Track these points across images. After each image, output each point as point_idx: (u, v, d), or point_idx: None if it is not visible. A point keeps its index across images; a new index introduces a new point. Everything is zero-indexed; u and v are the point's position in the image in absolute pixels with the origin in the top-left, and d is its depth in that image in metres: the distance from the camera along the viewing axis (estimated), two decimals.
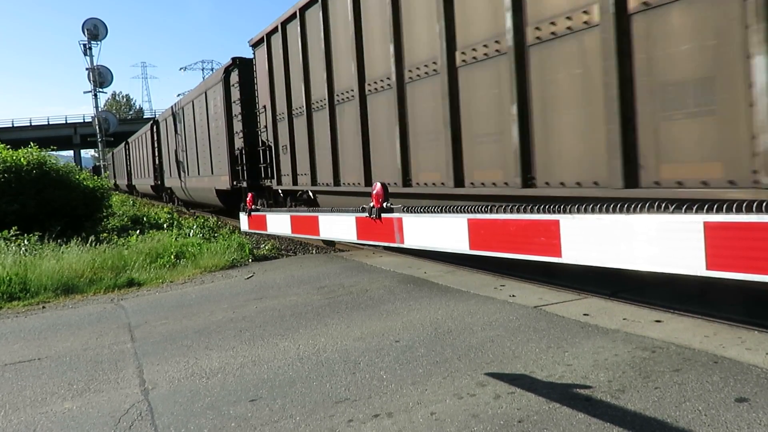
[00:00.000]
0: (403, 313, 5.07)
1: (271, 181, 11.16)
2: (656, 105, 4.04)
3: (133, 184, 35.93)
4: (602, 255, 2.30)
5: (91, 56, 31.35)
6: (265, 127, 11.09)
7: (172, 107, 20.94)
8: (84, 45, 31.08)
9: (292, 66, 9.71)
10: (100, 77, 31.73)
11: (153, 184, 26.24)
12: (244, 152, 12.59)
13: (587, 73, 4.48)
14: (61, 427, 3.26)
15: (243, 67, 12.66)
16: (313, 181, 9.16)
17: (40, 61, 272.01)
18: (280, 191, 11.21)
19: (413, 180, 6.77)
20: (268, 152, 11.10)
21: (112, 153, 49.29)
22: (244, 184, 12.67)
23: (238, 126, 13.03)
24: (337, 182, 8.45)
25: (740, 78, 3.56)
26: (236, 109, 12.96)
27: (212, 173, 15.35)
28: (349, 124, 8.03)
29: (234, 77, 13.01)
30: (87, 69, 31.47)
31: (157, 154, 24.66)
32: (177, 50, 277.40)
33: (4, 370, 4.35)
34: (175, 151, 20.25)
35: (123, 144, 38.86)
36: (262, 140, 11.42)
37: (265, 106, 11.00)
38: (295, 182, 9.96)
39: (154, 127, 24.98)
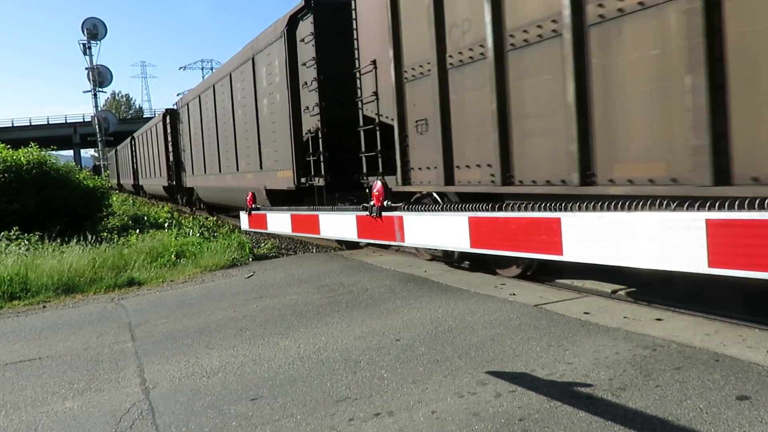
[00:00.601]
0: (404, 311, 5.06)
1: (380, 179, 6.65)
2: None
3: (141, 184, 31.79)
4: (603, 252, 2.30)
5: (91, 56, 31.40)
6: (374, 94, 7.31)
7: (191, 92, 17.49)
8: (83, 44, 31.11)
9: None
10: (100, 77, 31.75)
11: (166, 184, 22.53)
12: (321, 136, 8.78)
13: None
14: (62, 426, 3.26)
15: (322, 10, 8.74)
16: (506, 178, 5.22)
17: (40, 60, 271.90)
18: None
19: None
20: (377, 134, 7.35)
21: (115, 150, 44.99)
22: (320, 182, 8.95)
23: (310, 99, 9.07)
24: (587, 177, 4.43)
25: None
26: (308, 74, 9.05)
27: (261, 168, 11.41)
28: (634, 59, 4.07)
29: (305, 28, 9.05)
30: (86, 68, 31.52)
31: (171, 149, 21.09)
32: (176, 50, 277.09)
33: (5, 370, 4.35)
34: (201, 143, 16.21)
35: (128, 139, 34.84)
36: (364, 116, 7.66)
37: (375, 62, 7.29)
38: (449, 179, 5.95)
39: (168, 117, 21.27)
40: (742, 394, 2.93)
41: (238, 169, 12.93)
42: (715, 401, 2.88)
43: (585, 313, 4.57)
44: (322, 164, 8.85)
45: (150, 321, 5.51)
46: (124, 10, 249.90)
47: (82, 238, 9.38)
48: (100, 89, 32.38)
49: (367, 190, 7.57)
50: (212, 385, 3.69)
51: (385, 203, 4.22)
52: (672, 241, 2.04)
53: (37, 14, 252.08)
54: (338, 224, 5.95)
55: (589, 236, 2.32)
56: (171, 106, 22.16)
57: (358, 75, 7.69)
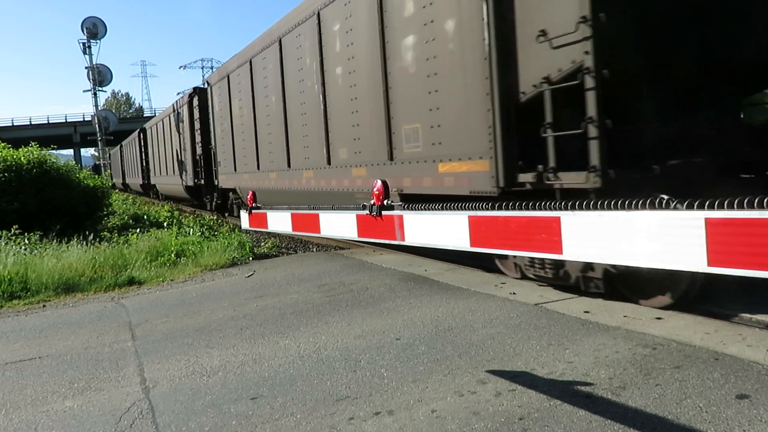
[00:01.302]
0: (404, 310, 5.06)
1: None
2: None
3: (153, 183, 27.36)
4: (603, 251, 2.30)
5: (91, 55, 31.32)
6: None
7: (233, 58, 12.28)
8: (83, 44, 31.04)
9: None
10: (100, 76, 31.70)
11: (191, 183, 17.94)
12: (593, 85, 4.07)
13: None
14: (62, 425, 3.26)
15: None
16: None
17: (40, 59, 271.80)
18: None
19: None
20: None
21: (120, 146, 41.30)
22: (591, 181, 4.28)
23: (551, 12, 4.46)
24: None
25: None
26: None
27: (390, 158, 6.79)
28: None
29: None
30: (86, 68, 31.42)
31: (200, 139, 16.41)
32: (176, 49, 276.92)
33: (5, 369, 4.36)
34: (252, 128, 11.20)
35: (136, 133, 31.29)
36: None
37: None
38: None
39: (196, 99, 16.69)
40: (741, 392, 2.93)
41: (329, 163, 8.35)
42: (715, 400, 2.88)
43: (585, 312, 4.57)
44: (594, 143, 4.16)
45: (150, 320, 5.51)
46: (124, 9, 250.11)
47: (82, 238, 9.39)
48: (100, 88, 32.32)
49: None
50: (212, 384, 3.69)
51: (385, 202, 4.21)
52: (672, 239, 2.04)
53: (37, 14, 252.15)
54: (339, 223, 5.94)
55: (588, 235, 2.32)
56: (201, 85, 17.34)
57: None
